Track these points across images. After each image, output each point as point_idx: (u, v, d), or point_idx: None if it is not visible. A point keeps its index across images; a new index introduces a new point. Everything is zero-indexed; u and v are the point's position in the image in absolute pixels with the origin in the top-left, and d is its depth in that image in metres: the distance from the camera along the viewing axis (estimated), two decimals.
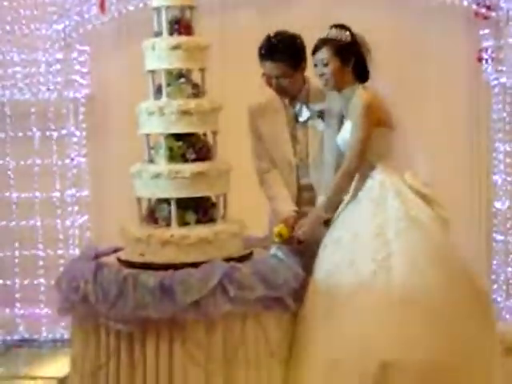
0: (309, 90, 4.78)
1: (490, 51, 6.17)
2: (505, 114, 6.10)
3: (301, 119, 4.76)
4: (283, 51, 4.66)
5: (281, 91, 4.74)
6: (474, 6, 6.13)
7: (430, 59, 6.28)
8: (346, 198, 4.43)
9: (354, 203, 4.34)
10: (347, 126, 4.38)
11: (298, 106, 4.77)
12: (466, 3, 6.11)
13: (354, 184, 4.39)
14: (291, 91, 4.75)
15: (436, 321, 3.93)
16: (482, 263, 6.18)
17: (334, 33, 4.38)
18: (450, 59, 6.32)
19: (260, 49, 4.73)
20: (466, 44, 6.34)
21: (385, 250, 4.06)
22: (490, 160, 6.29)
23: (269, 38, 4.73)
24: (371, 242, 4.11)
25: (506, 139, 6.12)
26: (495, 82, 6.15)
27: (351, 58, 4.38)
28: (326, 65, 4.36)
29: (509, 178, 6.13)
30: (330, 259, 4.25)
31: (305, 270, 4.39)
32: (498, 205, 6.22)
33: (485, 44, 6.19)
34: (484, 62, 6.19)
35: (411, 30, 6.23)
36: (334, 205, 4.44)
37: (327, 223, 4.49)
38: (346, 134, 4.37)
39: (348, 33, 4.39)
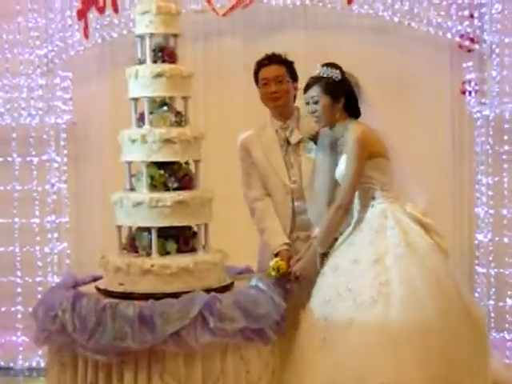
0: (299, 116, 4.84)
1: (473, 84, 6.18)
2: (487, 147, 6.10)
3: (292, 141, 4.77)
4: (280, 60, 4.83)
5: (277, 97, 4.77)
6: (458, 39, 6.14)
7: (414, 90, 6.31)
8: (348, 229, 4.42)
9: (356, 233, 4.35)
10: (343, 159, 4.38)
11: (289, 129, 4.79)
12: (449, 36, 6.11)
13: (356, 215, 4.41)
14: (287, 102, 4.81)
15: (432, 353, 3.93)
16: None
17: (325, 71, 4.41)
18: (434, 91, 6.35)
19: (260, 60, 4.85)
20: (449, 76, 6.37)
21: (383, 276, 4.06)
22: (473, 192, 6.29)
23: (265, 54, 4.87)
24: (370, 268, 4.11)
25: (489, 172, 6.11)
26: (478, 114, 6.15)
27: (341, 95, 4.40)
28: (316, 102, 4.39)
29: (491, 211, 6.12)
30: (328, 286, 4.23)
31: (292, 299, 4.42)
32: (480, 237, 6.20)
33: (468, 76, 6.20)
34: (467, 94, 6.20)
35: (396, 61, 6.27)
36: (328, 239, 4.44)
37: (324, 255, 4.48)
38: (341, 168, 4.37)
39: (338, 71, 4.41)
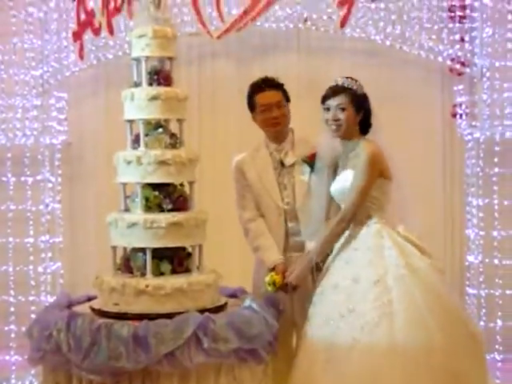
0: (293, 138, 4.88)
1: (464, 106, 6.26)
2: (478, 169, 6.16)
3: (287, 163, 4.82)
4: (276, 81, 4.88)
5: (279, 122, 4.83)
6: (449, 62, 6.22)
7: (405, 113, 6.36)
8: (337, 244, 4.45)
9: (350, 250, 4.36)
10: (346, 175, 4.41)
11: (283, 151, 4.84)
12: (440, 59, 6.19)
13: (348, 231, 4.43)
14: (286, 126, 4.87)
15: (437, 371, 3.98)
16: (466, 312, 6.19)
17: (350, 82, 4.44)
18: (425, 113, 6.42)
19: (254, 85, 4.88)
20: (440, 99, 6.45)
21: (386, 296, 4.09)
22: (463, 214, 6.34)
23: (254, 81, 4.91)
24: (371, 288, 4.13)
25: (479, 194, 6.17)
26: (469, 137, 6.23)
27: (362, 109, 4.45)
28: (342, 110, 4.41)
29: (481, 233, 6.17)
30: (329, 305, 4.24)
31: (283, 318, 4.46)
32: (470, 258, 6.26)
33: (459, 99, 6.28)
34: (458, 117, 6.27)
35: (388, 84, 6.32)
36: (325, 251, 4.46)
37: (316, 268, 4.52)
38: (345, 183, 4.40)
39: (360, 85, 4.47)
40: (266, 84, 4.84)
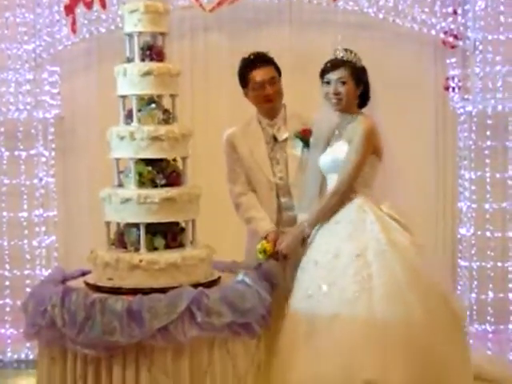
0: (286, 113, 4.89)
1: (456, 80, 6.26)
2: (470, 142, 6.18)
3: (279, 139, 4.83)
4: (268, 57, 4.89)
5: (272, 99, 4.84)
6: (442, 35, 6.22)
7: (398, 86, 6.34)
8: None
9: (331, 224, 4.40)
10: (340, 147, 4.42)
11: (276, 126, 4.84)
12: (433, 32, 6.19)
13: None
14: (280, 101, 4.88)
15: (415, 345, 4.02)
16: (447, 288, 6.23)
17: (350, 56, 4.46)
18: (418, 86, 6.42)
19: (246, 61, 4.88)
20: (433, 72, 6.45)
21: (365, 270, 4.13)
22: (456, 187, 6.37)
23: (247, 55, 4.92)
24: (351, 263, 4.17)
25: (472, 167, 6.20)
26: (461, 110, 6.24)
27: (361, 82, 4.48)
28: (343, 83, 4.42)
29: (474, 205, 6.21)
30: (310, 281, 4.29)
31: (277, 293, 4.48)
32: (462, 231, 6.29)
33: (452, 73, 6.29)
34: (451, 90, 6.28)
35: (381, 57, 6.28)
36: (317, 223, 4.48)
37: (305, 241, 4.54)
38: (337, 154, 4.41)
39: (359, 58, 4.49)
40: (259, 60, 4.84)
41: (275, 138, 4.86)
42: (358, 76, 4.45)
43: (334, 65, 4.45)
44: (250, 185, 4.90)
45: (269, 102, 4.83)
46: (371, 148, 4.39)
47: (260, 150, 4.85)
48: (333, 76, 4.44)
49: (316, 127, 4.60)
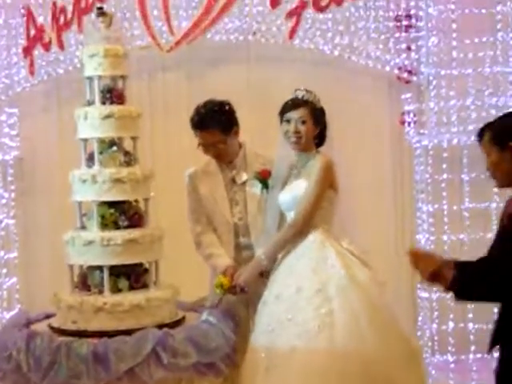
0: (245, 154, 4.91)
1: (411, 114, 6.38)
2: (427, 176, 6.29)
3: (239, 182, 4.87)
4: (213, 119, 4.77)
5: (218, 157, 4.85)
6: (396, 71, 6.34)
7: (355, 121, 6.45)
8: (282, 253, 4.52)
9: (294, 260, 4.41)
10: (299, 185, 4.46)
11: (235, 170, 4.88)
12: (388, 68, 6.31)
13: None
14: (228, 156, 4.87)
15: (373, 379, 4.04)
16: (408, 320, 6.30)
17: (310, 96, 4.51)
18: (374, 122, 6.51)
19: (191, 120, 4.83)
20: (389, 107, 6.55)
21: (327, 305, 4.15)
22: (414, 220, 6.47)
23: (198, 108, 4.84)
24: (313, 297, 4.18)
25: (429, 200, 6.30)
26: (417, 144, 6.35)
27: (320, 122, 4.53)
28: (303, 123, 4.46)
29: (432, 237, 6.30)
30: (271, 315, 4.29)
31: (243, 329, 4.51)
32: None
33: (407, 108, 6.40)
34: (406, 124, 6.39)
35: (338, 93, 6.36)
36: (274, 256, 4.51)
37: (264, 275, 4.57)
38: (294, 192, 4.46)
39: (319, 99, 4.55)
40: (200, 124, 4.78)
41: (234, 180, 4.89)
42: (317, 116, 4.51)
43: (294, 104, 4.51)
44: (210, 224, 4.92)
45: (216, 158, 4.88)
46: (328, 182, 4.45)
47: (219, 191, 4.87)
48: (293, 115, 4.49)
49: (275, 166, 4.66)
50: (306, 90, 4.55)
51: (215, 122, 4.76)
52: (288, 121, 4.50)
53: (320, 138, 4.59)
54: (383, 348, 4.10)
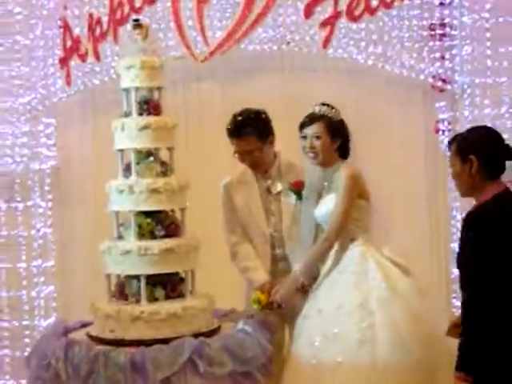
0: (280, 164, 4.94)
1: (446, 123, 6.36)
2: None
3: (274, 192, 4.90)
4: (249, 127, 4.85)
5: (254, 165, 4.90)
6: (430, 80, 6.33)
7: (389, 130, 6.44)
8: (324, 268, 4.55)
9: (336, 275, 4.45)
10: (329, 199, 4.50)
11: (270, 180, 4.91)
12: (422, 77, 6.30)
13: (333, 255, 4.53)
14: (263, 165, 4.92)
15: None
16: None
17: (326, 110, 4.55)
18: (408, 130, 6.48)
19: (228, 128, 4.89)
20: (423, 115, 6.51)
21: (368, 319, 4.18)
22: (448, 228, 6.44)
23: (234, 116, 4.90)
24: (355, 311, 4.22)
25: (464, 208, 6.27)
26: None
27: (339, 136, 4.56)
28: (317, 138, 4.51)
29: None
30: (313, 328, 4.32)
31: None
32: (456, 271, 6.33)
33: (441, 116, 6.38)
34: (441, 133, 6.38)
35: (372, 103, 6.39)
36: (310, 270, 4.55)
37: (302, 290, 4.60)
38: (328, 206, 4.49)
39: (337, 112, 4.57)
40: (236, 131, 4.86)
41: (269, 190, 4.92)
42: (334, 130, 4.54)
43: (310, 119, 4.57)
44: (246, 235, 4.95)
45: (251, 167, 4.91)
46: (356, 193, 4.47)
47: (255, 201, 4.91)
48: (308, 131, 4.55)
49: (307, 180, 4.70)
50: (323, 104, 4.60)
51: (251, 129, 4.83)
52: (304, 137, 4.57)
53: (342, 150, 4.61)
54: (427, 359, 4.11)
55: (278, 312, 4.70)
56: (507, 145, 3.70)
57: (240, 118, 4.87)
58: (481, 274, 3.44)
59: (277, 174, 4.94)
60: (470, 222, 3.60)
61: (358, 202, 4.48)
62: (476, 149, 3.62)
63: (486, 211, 3.59)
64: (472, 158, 3.60)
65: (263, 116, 4.94)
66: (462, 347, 3.54)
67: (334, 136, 4.55)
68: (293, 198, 4.78)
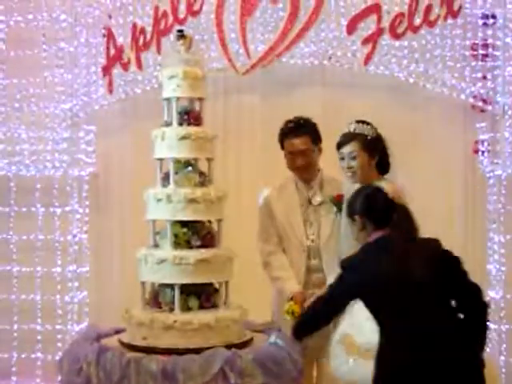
0: (322, 177, 4.97)
1: (486, 144, 6.33)
2: (500, 206, 6.24)
3: (314, 202, 4.92)
4: (306, 126, 4.97)
5: (304, 168, 4.94)
6: (471, 100, 6.31)
7: (428, 149, 6.42)
8: None
9: None
10: None
11: (311, 190, 4.93)
12: (463, 96, 6.28)
13: None
14: (311, 171, 4.96)
15: None
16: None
17: (361, 128, 4.56)
18: (447, 150, 6.46)
19: (284, 128, 4.97)
20: (463, 135, 6.49)
21: None
22: (485, 250, 6.40)
23: (287, 120, 5.00)
24: None
25: (501, 230, 6.24)
26: (491, 174, 6.29)
27: (377, 152, 4.55)
28: (353, 158, 4.52)
29: (503, 268, 6.24)
30: (348, 343, 4.28)
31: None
32: (492, 294, 6.30)
33: (481, 136, 6.35)
34: (480, 153, 6.35)
35: (411, 121, 6.38)
36: None
37: None
38: None
39: (373, 128, 4.57)
40: (295, 129, 4.92)
41: (310, 201, 4.94)
42: (371, 147, 4.53)
43: (345, 139, 4.59)
44: (280, 245, 4.97)
45: (300, 172, 4.93)
46: None
47: (294, 212, 4.93)
48: (345, 150, 4.57)
49: (346, 195, 4.69)
50: (357, 122, 4.61)
51: (308, 129, 4.96)
52: (342, 158, 4.58)
53: (381, 166, 4.59)
54: None
55: None
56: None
57: (295, 119, 4.99)
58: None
59: (318, 186, 4.96)
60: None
61: None
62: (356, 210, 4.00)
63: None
64: (356, 217, 3.99)
65: (314, 122, 5.04)
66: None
67: (372, 153, 4.55)
68: (333, 211, 4.80)
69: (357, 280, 3.88)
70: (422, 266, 3.81)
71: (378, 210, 3.97)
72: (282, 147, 4.99)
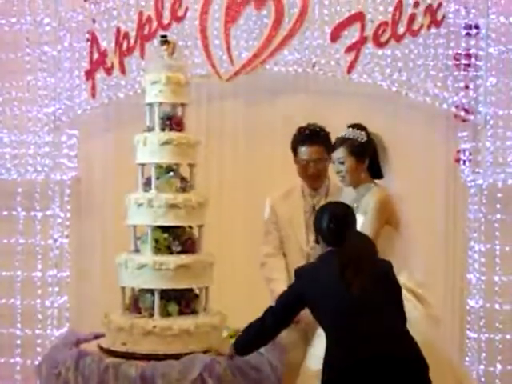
0: (329, 185, 5.03)
1: (467, 153, 6.36)
2: (480, 215, 6.26)
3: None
4: (322, 135, 4.98)
5: (315, 176, 4.98)
6: (454, 109, 6.33)
7: (410, 158, 6.40)
8: None
9: None
10: (358, 220, 4.50)
11: (317, 198, 4.95)
12: (445, 106, 6.31)
13: None
14: (321, 179, 5.01)
15: None
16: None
17: (351, 132, 4.58)
18: (429, 159, 6.48)
19: (299, 135, 5.00)
20: (445, 144, 6.51)
21: None
22: (465, 259, 6.42)
23: (301, 127, 5.03)
24: None
25: (481, 239, 6.27)
26: (472, 183, 6.32)
27: (366, 156, 4.58)
28: (342, 163, 4.56)
29: (483, 277, 6.26)
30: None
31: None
32: (471, 303, 6.32)
33: (463, 146, 6.37)
34: (462, 163, 6.37)
35: (394, 129, 6.35)
36: None
37: None
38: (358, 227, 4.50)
39: (364, 133, 4.59)
40: (310, 137, 4.95)
41: (314, 208, 4.95)
42: (359, 151, 4.56)
43: (335, 144, 4.64)
44: (281, 248, 5.00)
45: (312, 180, 4.96)
46: (384, 220, 4.46)
47: (298, 217, 4.98)
48: (334, 155, 4.63)
49: (342, 200, 4.72)
50: (350, 126, 4.65)
51: (324, 138, 4.97)
52: (333, 162, 4.64)
53: (373, 169, 4.61)
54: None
55: (297, 329, 4.69)
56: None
57: (311, 127, 5.01)
58: None
59: (324, 194, 5.01)
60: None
61: (385, 229, 4.47)
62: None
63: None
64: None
65: (328, 134, 5.05)
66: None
67: (360, 158, 4.57)
68: None
69: (300, 287, 3.98)
70: (362, 279, 3.82)
71: (322, 230, 4.05)
72: (294, 153, 5.00)
